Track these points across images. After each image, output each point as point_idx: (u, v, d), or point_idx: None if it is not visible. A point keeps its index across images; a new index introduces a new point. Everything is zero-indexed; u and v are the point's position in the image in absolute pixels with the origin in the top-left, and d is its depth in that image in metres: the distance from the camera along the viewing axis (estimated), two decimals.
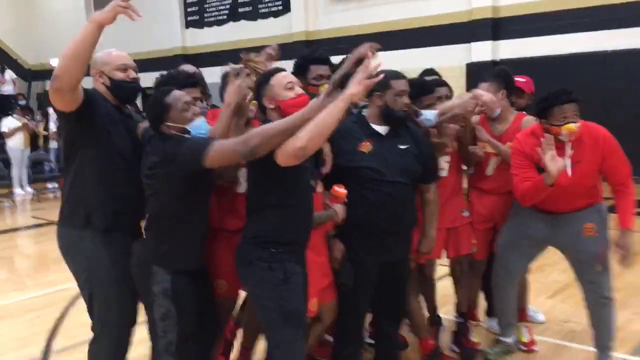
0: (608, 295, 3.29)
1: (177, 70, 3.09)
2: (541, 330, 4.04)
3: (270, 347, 2.54)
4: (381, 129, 2.98)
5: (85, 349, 3.74)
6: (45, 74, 20.21)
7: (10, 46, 19.72)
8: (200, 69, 3.25)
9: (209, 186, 2.63)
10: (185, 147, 2.41)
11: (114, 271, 2.68)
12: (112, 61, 2.81)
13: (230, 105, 2.57)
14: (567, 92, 3.09)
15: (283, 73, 2.59)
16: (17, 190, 11.12)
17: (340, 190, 2.79)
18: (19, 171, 11.26)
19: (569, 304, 4.52)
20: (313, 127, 2.26)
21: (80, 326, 4.35)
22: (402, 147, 2.96)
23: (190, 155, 2.37)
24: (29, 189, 11.27)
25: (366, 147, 2.91)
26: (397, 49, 12.11)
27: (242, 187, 2.79)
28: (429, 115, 3.19)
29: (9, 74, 15.64)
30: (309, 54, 3.25)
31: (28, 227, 8.97)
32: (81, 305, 5.07)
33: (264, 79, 2.56)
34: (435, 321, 3.83)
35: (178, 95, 2.52)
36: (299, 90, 2.55)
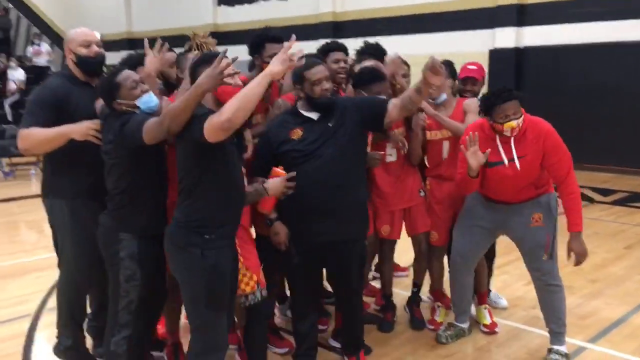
0: (555, 283, 3.39)
1: (131, 53, 3.26)
2: (507, 315, 4.16)
3: (192, 327, 2.65)
4: (313, 115, 3.11)
5: None
6: None
7: (50, 17, 20.32)
8: (231, 46, 3.39)
9: (160, 157, 2.82)
10: (129, 124, 2.62)
11: (76, 234, 3.02)
12: (76, 38, 3.06)
13: (203, 87, 2.43)
14: (507, 91, 3.20)
15: (225, 60, 2.55)
16: None
17: (279, 170, 2.93)
18: None
19: None
20: (236, 100, 2.35)
21: None
22: (330, 124, 3.06)
23: (132, 132, 2.59)
24: None
25: (296, 134, 3.06)
26: (420, 32, 12.10)
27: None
28: None
29: (45, 46, 16.13)
30: (264, 33, 3.32)
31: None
32: None
33: (207, 59, 2.54)
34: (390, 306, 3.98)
35: (127, 75, 2.73)
36: (238, 81, 2.59)
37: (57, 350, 3.32)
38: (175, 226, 2.60)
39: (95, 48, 3.05)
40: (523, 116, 3.20)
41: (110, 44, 20.49)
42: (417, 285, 4.02)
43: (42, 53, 15.55)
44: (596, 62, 10.25)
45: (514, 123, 3.16)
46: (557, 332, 3.46)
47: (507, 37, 11.15)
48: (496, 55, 11.15)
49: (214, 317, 2.59)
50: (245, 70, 3.70)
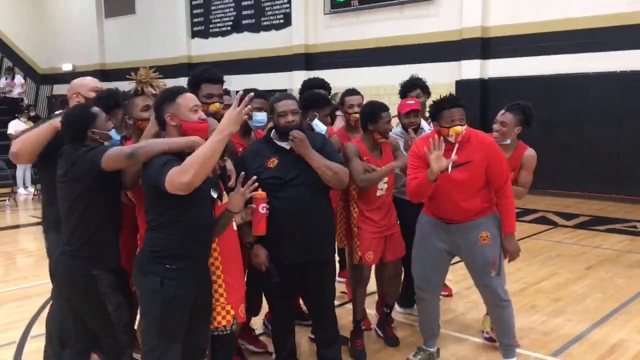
0: (504, 298, 3.59)
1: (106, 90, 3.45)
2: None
3: (144, 349, 2.72)
4: (285, 144, 3.38)
5: None
6: (54, 77, 20.82)
7: (22, 50, 20.35)
8: None
9: (117, 188, 2.89)
10: (90, 153, 2.72)
11: None
12: (87, 84, 3.46)
13: (226, 132, 2.49)
14: (454, 98, 3.48)
15: (189, 95, 2.71)
16: (20, 190, 11.59)
17: (260, 192, 3.11)
18: (23, 171, 11.74)
19: None
20: (197, 163, 2.40)
21: None
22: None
23: (92, 159, 2.69)
24: (30, 189, 11.75)
25: (272, 162, 3.34)
26: (391, 65, 12.54)
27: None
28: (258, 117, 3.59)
29: (18, 79, 16.19)
30: (202, 73, 3.37)
31: (28, 225, 9.42)
32: None
33: (171, 95, 2.66)
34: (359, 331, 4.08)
35: (99, 109, 2.93)
36: (202, 114, 2.70)
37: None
38: (141, 253, 2.71)
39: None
40: (466, 125, 3.43)
41: (82, 75, 20.64)
42: (389, 306, 4.24)
43: (16, 85, 15.58)
44: (557, 93, 10.75)
45: (459, 128, 3.35)
46: (508, 345, 3.66)
47: (472, 69, 11.65)
48: (462, 85, 11.61)
49: (164, 346, 2.64)
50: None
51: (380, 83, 11.95)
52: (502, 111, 3.99)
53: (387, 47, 12.82)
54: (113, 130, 2.94)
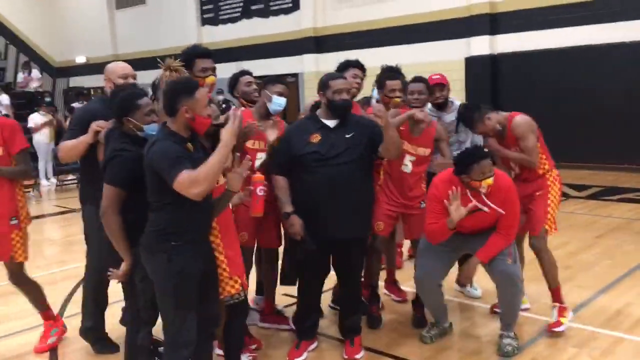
0: (521, 277, 3.71)
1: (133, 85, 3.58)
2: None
3: (163, 324, 2.89)
4: (330, 123, 3.55)
5: None
6: (69, 70, 21.13)
7: (37, 44, 20.66)
8: (216, 64, 3.70)
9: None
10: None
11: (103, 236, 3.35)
12: (116, 70, 3.65)
13: (230, 146, 2.71)
14: (481, 149, 3.59)
15: (203, 90, 2.83)
16: (43, 182, 11.93)
17: (258, 174, 3.32)
18: (44, 164, 12.06)
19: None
20: (211, 175, 2.60)
21: None
22: (347, 135, 3.52)
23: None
24: (53, 180, 12.08)
25: (316, 138, 3.50)
26: (399, 44, 12.62)
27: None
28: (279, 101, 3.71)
29: (35, 73, 16.47)
30: (192, 50, 3.54)
31: (52, 214, 9.74)
32: None
33: (190, 89, 2.77)
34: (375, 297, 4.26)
35: (147, 102, 3.09)
36: (209, 110, 2.86)
37: (81, 331, 3.94)
38: (146, 234, 2.82)
39: (131, 80, 3.59)
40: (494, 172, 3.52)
41: (96, 67, 20.91)
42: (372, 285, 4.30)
43: (33, 80, 15.87)
44: (567, 65, 10.79)
45: (490, 180, 3.45)
46: (509, 323, 3.78)
47: (481, 45, 11.72)
48: (472, 62, 11.69)
49: (182, 315, 2.81)
50: (226, 87, 4.24)
51: (389, 63, 12.01)
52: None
53: (396, 27, 12.91)
54: (154, 124, 3.04)
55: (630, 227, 6.64)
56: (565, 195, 8.48)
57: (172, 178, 2.61)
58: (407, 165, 3.94)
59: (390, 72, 3.98)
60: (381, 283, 4.55)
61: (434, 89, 4.26)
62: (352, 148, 3.47)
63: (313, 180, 3.43)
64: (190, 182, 2.59)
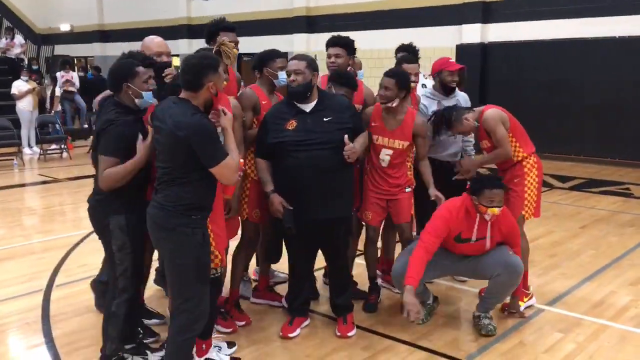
0: (521, 264, 3.79)
1: (136, 51, 3.47)
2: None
3: (179, 300, 2.90)
4: (306, 107, 3.56)
5: (82, 285, 4.53)
6: (53, 37, 20.72)
7: (21, 10, 20.18)
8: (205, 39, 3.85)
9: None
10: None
11: None
12: (151, 47, 3.66)
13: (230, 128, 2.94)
14: (498, 179, 3.65)
15: (223, 65, 2.96)
16: (26, 150, 11.74)
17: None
18: (27, 131, 11.86)
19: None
20: (237, 160, 2.84)
21: (78, 267, 5.07)
22: (326, 119, 3.52)
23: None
24: (35, 149, 11.90)
25: (292, 125, 3.51)
26: (392, 28, 12.59)
27: None
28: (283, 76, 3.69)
29: (18, 39, 16.12)
30: (218, 23, 3.74)
31: (34, 184, 9.61)
32: (80, 249, 5.79)
33: (215, 65, 2.84)
34: (375, 288, 4.28)
35: (145, 69, 3.10)
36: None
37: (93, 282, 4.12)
38: (161, 210, 2.83)
39: (164, 58, 3.60)
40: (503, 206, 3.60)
41: (81, 36, 20.54)
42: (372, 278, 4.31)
43: (15, 45, 15.53)
44: (556, 57, 10.88)
45: (496, 210, 3.53)
46: (490, 308, 3.88)
47: (473, 33, 11.73)
48: (463, 50, 11.71)
49: (201, 289, 2.90)
50: None
51: (381, 46, 12.02)
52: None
53: (389, 10, 12.86)
54: (150, 93, 3.09)
55: (614, 219, 6.77)
56: (549, 186, 8.63)
57: (217, 160, 2.75)
58: (385, 159, 3.93)
59: (406, 55, 4.19)
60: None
61: (453, 73, 4.27)
62: (331, 133, 3.48)
63: (294, 165, 3.46)
64: (234, 169, 2.84)
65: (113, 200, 3.06)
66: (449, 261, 3.80)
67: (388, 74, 3.85)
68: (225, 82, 2.98)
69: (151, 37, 3.74)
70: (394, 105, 3.80)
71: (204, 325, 3.03)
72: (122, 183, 2.97)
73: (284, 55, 3.88)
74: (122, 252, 3.11)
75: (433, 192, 3.90)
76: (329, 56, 4.07)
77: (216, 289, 3.28)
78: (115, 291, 3.19)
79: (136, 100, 3.09)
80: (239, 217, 3.81)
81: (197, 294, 2.90)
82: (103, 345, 3.27)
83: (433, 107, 4.34)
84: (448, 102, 4.34)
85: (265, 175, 3.58)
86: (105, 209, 3.10)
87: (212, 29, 3.72)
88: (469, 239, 3.69)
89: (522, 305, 4.09)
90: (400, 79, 3.79)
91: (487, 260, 3.75)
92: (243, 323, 3.88)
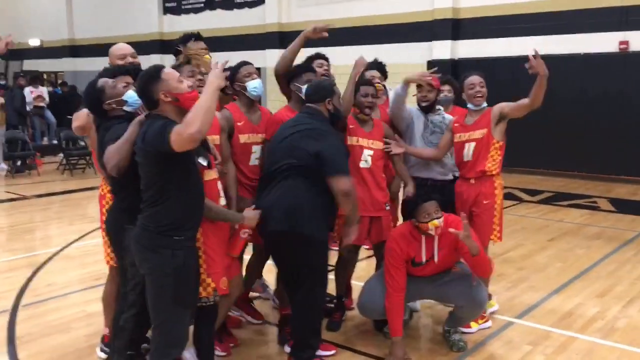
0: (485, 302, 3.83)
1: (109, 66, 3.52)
2: None
3: (156, 322, 2.81)
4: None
5: (49, 305, 4.41)
6: (22, 53, 20.43)
7: None
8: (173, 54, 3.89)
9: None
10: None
11: None
12: (114, 52, 3.66)
13: (215, 84, 2.61)
14: (426, 193, 3.61)
15: (169, 69, 2.76)
16: None
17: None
18: None
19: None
20: (200, 112, 2.48)
21: (45, 286, 4.96)
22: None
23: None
24: (3, 165, 11.66)
25: None
26: (364, 44, 12.70)
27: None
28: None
29: None
30: (183, 35, 3.87)
31: (2, 201, 9.41)
32: (47, 268, 5.67)
33: (155, 74, 2.67)
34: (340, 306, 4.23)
35: (103, 80, 3.05)
36: (189, 82, 2.78)
37: None
38: (144, 230, 2.76)
39: (129, 59, 3.57)
40: (443, 216, 3.51)
41: (51, 51, 20.29)
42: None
43: None
44: (522, 73, 10.99)
45: (436, 222, 3.45)
46: (457, 325, 3.88)
47: (443, 49, 11.92)
48: (434, 65, 11.78)
49: (179, 313, 2.79)
50: None
51: (352, 62, 12.08)
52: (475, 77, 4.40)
53: (360, 27, 13.01)
54: (130, 91, 3.00)
55: (581, 232, 6.90)
56: (518, 199, 8.77)
57: (167, 139, 2.51)
58: (367, 160, 3.91)
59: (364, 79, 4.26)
60: None
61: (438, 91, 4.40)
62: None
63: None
64: (185, 125, 2.48)
65: (127, 215, 2.98)
66: (414, 286, 3.70)
67: (362, 83, 4.11)
68: (190, 82, 2.82)
69: (115, 45, 3.74)
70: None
71: (181, 352, 2.93)
72: (119, 157, 2.82)
73: (249, 63, 3.88)
74: (135, 267, 3.00)
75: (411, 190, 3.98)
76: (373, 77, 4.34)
77: (207, 321, 3.23)
78: (125, 305, 3.14)
79: (125, 108, 3.05)
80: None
81: (171, 318, 2.80)
82: (109, 357, 3.28)
83: (420, 121, 4.27)
84: (433, 117, 4.31)
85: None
86: (119, 223, 3.07)
87: (178, 42, 3.82)
88: (420, 262, 3.63)
89: (475, 327, 4.07)
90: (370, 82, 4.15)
91: (453, 289, 3.71)
92: (232, 345, 3.79)
